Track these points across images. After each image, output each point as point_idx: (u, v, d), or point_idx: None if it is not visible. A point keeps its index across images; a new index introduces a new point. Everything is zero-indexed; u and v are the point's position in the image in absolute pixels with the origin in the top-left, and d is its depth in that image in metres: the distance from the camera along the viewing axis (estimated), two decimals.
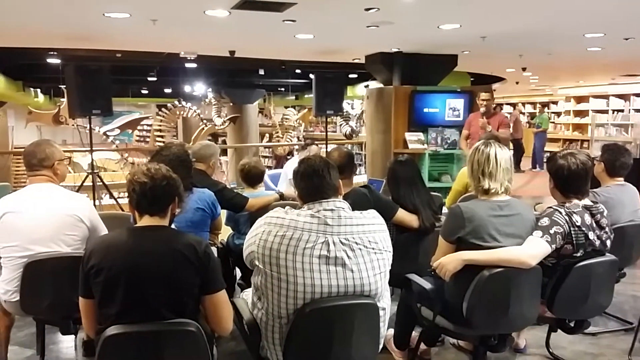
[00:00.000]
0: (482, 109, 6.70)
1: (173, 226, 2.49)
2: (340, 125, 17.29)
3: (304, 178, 2.52)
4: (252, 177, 4.43)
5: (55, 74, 10.91)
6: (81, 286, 2.30)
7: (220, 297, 2.34)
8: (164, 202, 2.35)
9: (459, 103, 7.93)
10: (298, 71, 13.99)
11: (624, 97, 14.77)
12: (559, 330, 3.27)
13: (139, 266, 2.19)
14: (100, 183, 7.02)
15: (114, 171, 12.70)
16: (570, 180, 3.01)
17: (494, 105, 7.13)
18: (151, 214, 2.34)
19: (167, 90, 18.27)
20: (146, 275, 2.19)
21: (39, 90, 15.85)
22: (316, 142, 6.89)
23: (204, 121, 15.75)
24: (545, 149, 14.74)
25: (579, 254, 2.94)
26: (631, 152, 4.13)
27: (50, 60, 10.40)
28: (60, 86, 11.38)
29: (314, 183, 2.48)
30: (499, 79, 13.28)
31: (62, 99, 12.35)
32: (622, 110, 14.62)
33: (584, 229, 2.91)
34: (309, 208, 2.44)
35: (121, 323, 2.17)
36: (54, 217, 3.02)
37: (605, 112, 14.93)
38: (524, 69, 10.73)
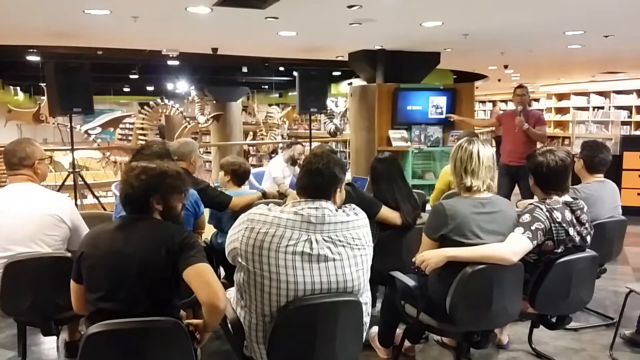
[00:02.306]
0: (519, 107, 6.37)
1: None
2: (325, 123, 17.29)
3: (314, 174, 2.48)
4: (240, 175, 4.43)
5: (35, 71, 10.80)
6: (74, 270, 2.39)
7: (203, 267, 2.26)
8: (141, 204, 2.38)
9: (442, 100, 7.95)
10: (281, 69, 13.96)
11: (604, 94, 14.93)
12: (541, 326, 3.31)
13: (117, 252, 2.26)
14: (82, 182, 6.96)
15: (96, 170, 12.57)
16: (549, 177, 3.05)
17: (530, 100, 6.74)
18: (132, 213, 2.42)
19: (150, 88, 18.15)
20: (123, 261, 2.24)
21: (18, 88, 15.68)
22: (299, 141, 6.90)
23: (187, 119, 15.66)
24: None
25: (559, 250, 2.97)
26: (610, 148, 4.17)
27: (29, 58, 10.28)
28: (40, 84, 11.26)
29: (321, 181, 2.46)
30: (481, 77, 13.36)
31: (42, 97, 12.20)
32: (602, 108, 14.79)
33: (564, 225, 2.94)
34: (293, 205, 2.43)
35: (105, 308, 2.23)
36: (34, 217, 2.99)
37: (586, 109, 15.08)
38: (505, 67, 10.80)
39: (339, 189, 2.54)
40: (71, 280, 2.42)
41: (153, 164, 2.47)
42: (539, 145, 5.98)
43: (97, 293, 2.26)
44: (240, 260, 2.40)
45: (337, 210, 2.45)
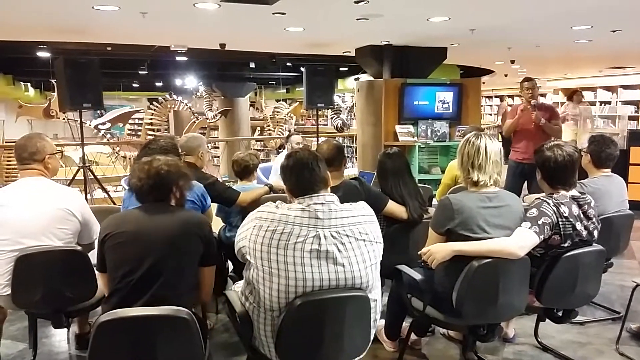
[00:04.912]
0: (533, 101, 6.02)
1: None
2: (332, 118, 17.31)
3: (294, 172, 2.52)
4: (239, 172, 4.45)
5: (45, 67, 10.86)
6: (98, 261, 2.56)
7: (212, 271, 2.71)
8: (164, 192, 2.63)
9: (448, 95, 7.95)
10: (289, 64, 13.98)
11: (611, 89, 14.86)
12: (547, 320, 3.31)
13: (146, 232, 2.44)
14: (92, 177, 7.01)
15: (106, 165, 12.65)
16: (557, 172, 3.05)
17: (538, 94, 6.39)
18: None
19: (158, 84, 18.23)
20: (153, 240, 2.42)
21: (29, 84, 15.76)
22: (297, 132, 6.92)
23: (196, 114, 15.72)
24: None
25: (566, 245, 2.97)
26: (617, 143, 4.17)
27: (40, 54, 10.33)
28: (50, 80, 11.32)
29: (305, 177, 2.48)
30: (488, 72, 13.33)
31: (52, 93, 12.29)
32: (609, 103, 14.73)
33: (571, 219, 2.94)
34: (300, 202, 2.44)
35: (130, 284, 2.38)
36: (45, 211, 3.02)
37: (593, 104, 15.02)
38: (512, 62, 10.78)
39: (328, 174, 2.59)
40: (96, 272, 2.66)
41: (169, 157, 2.75)
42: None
43: (122, 269, 2.41)
44: (248, 258, 2.41)
45: (342, 203, 2.47)
